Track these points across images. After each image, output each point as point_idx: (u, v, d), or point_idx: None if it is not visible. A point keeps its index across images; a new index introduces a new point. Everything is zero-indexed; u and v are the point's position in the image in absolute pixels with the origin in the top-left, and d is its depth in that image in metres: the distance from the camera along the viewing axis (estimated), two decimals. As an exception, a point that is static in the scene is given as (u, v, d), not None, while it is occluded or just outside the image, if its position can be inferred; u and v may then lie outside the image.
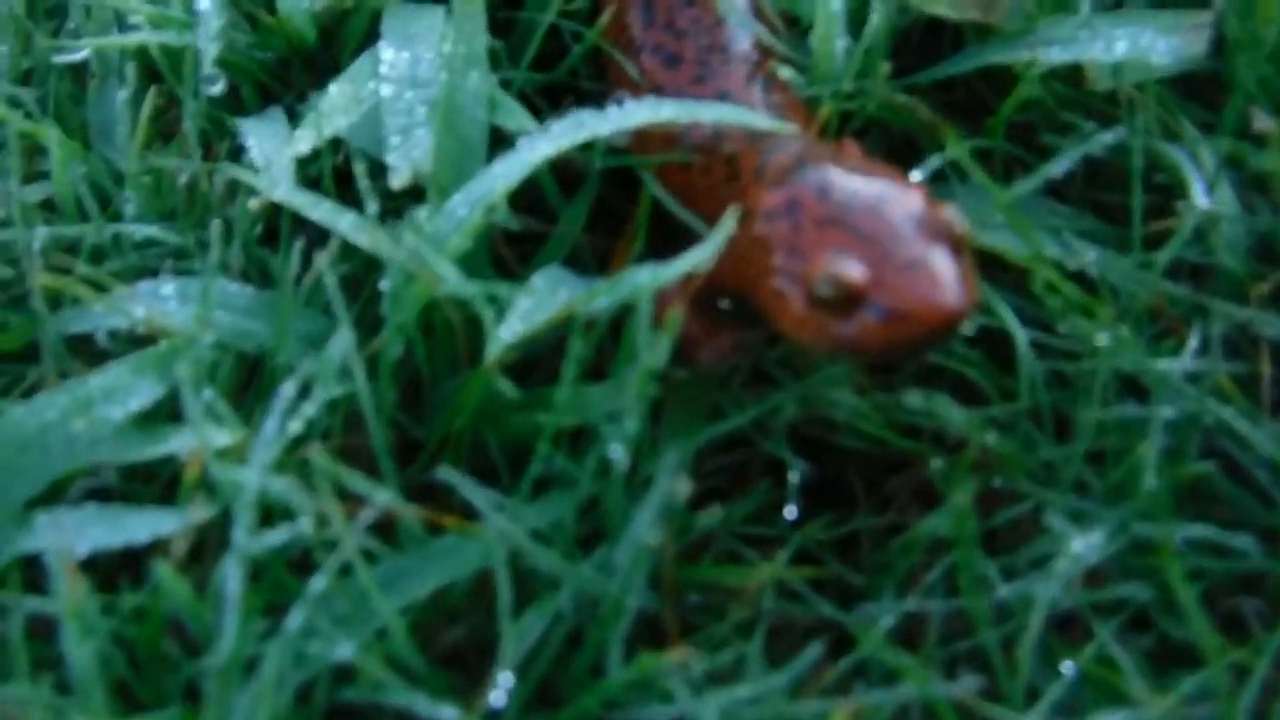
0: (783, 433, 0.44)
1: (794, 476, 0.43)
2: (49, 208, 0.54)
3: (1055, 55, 0.49)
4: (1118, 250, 0.48)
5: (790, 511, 0.43)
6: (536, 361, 0.48)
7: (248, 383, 0.47)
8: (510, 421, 0.44)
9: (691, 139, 0.46)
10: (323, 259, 0.43)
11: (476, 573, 0.41)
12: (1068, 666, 0.41)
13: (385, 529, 0.42)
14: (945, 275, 0.37)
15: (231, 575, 0.36)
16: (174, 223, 0.51)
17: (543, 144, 0.43)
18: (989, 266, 0.48)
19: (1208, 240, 0.48)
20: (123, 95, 0.51)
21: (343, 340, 0.40)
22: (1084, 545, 0.41)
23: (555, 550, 0.41)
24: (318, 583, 0.36)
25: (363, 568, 0.38)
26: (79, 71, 0.59)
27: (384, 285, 0.45)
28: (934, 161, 0.46)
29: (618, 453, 0.39)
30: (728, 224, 0.39)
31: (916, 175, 0.45)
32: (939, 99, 0.53)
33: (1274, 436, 0.43)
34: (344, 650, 0.37)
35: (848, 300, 0.37)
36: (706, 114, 0.43)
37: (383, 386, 0.43)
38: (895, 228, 0.37)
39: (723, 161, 0.45)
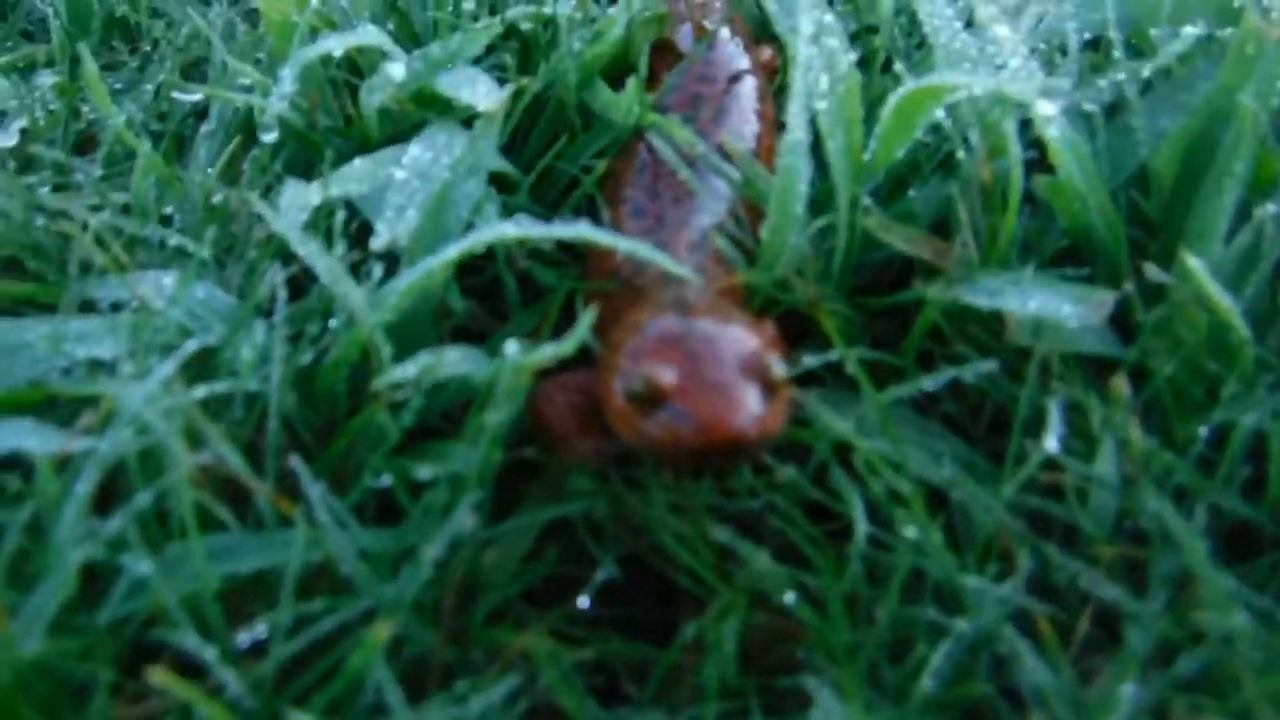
0: (602, 528, 0.49)
1: (601, 573, 0.48)
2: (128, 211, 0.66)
3: (978, 299, 0.55)
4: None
5: (583, 601, 0.48)
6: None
7: (196, 372, 0.55)
8: (383, 463, 0.51)
9: (621, 272, 0.54)
10: (278, 275, 0.52)
11: (300, 566, 0.47)
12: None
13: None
14: (739, 401, 0.43)
15: (87, 475, 0.44)
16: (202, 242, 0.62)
17: (485, 233, 0.52)
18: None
19: (1073, 501, 0.51)
20: (206, 128, 0.63)
21: (265, 331, 0.49)
22: None
23: (365, 566, 0.47)
24: (143, 497, 0.43)
25: (193, 524, 0.45)
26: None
27: (333, 323, 0.54)
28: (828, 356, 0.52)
29: (426, 472, 0.45)
30: (587, 318, 0.47)
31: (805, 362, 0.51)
32: (876, 325, 0.60)
33: (1060, 688, 0.45)
34: (142, 567, 0.43)
35: (653, 399, 0.44)
36: (621, 244, 0.51)
37: (284, 391, 0.51)
38: (719, 357, 0.45)
39: (635, 292, 0.52)
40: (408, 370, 0.50)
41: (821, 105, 0.57)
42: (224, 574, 0.46)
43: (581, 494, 0.50)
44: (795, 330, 0.56)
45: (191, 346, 0.48)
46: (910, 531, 0.47)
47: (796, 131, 0.55)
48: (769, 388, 0.45)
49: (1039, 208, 0.63)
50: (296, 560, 0.44)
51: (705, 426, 0.43)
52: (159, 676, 0.37)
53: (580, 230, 0.51)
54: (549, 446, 0.51)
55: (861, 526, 0.50)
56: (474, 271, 0.62)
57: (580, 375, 0.52)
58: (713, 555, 0.49)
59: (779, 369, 0.45)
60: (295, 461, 0.46)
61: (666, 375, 0.44)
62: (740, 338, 0.46)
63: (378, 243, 0.56)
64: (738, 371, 0.44)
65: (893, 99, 0.57)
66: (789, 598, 0.47)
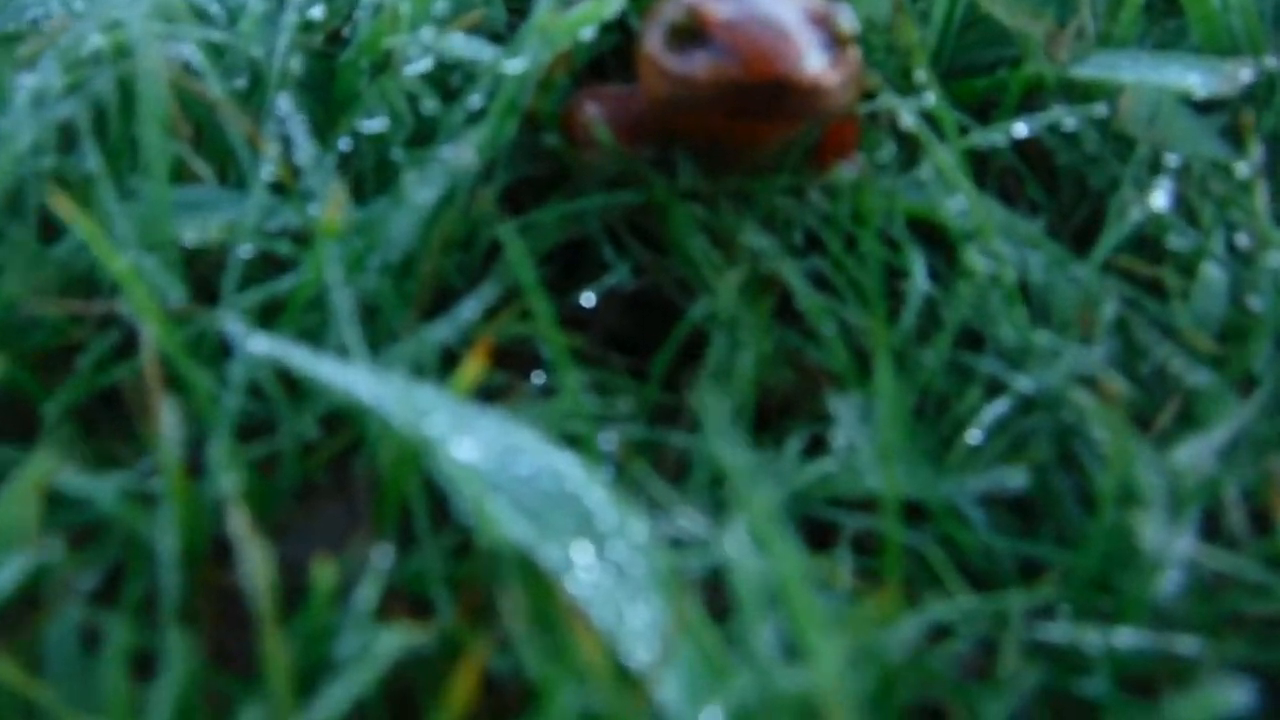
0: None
1: (612, 277, 0.43)
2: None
3: (1088, 71, 0.49)
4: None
5: (588, 297, 0.43)
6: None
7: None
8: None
9: None
10: None
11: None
12: None
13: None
14: (793, 40, 0.38)
15: (45, 66, 0.40)
16: None
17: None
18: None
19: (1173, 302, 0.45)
20: None
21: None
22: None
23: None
24: (104, 80, 0.39)
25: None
26: None
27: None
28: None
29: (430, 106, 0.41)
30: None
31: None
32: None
33: (1121, 452, 0.39)
34: (90, 163, 0.39)
35: (695, 32, 0.39)
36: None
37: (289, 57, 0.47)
38: (776, 5, 0.39)
39: None
40: (428, 35, 0.45)
41: None
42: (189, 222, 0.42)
43: (605, 192, 0.45)
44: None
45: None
46: (977, 263, 0.41)
47: None
48: (834, 42, 0.40)
49: (1169, 33, 0.57)
50: (263, 189, 0.40)
51: (752, 61, 0.38)
52: (59, 203, 0.33)
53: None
54: (579, 154, 0.47)
55: (921, 278, 0.44)
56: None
57: (619, 88, 0.48)
58: (741, 274, 0.43)
59: (848, 23, 0.40)
60: (283, 99, 0.42)
61: (712, 8, 0.39)
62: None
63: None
64: (797, 14, 0.39)
65: None
66: (828, 329, 0.41)
